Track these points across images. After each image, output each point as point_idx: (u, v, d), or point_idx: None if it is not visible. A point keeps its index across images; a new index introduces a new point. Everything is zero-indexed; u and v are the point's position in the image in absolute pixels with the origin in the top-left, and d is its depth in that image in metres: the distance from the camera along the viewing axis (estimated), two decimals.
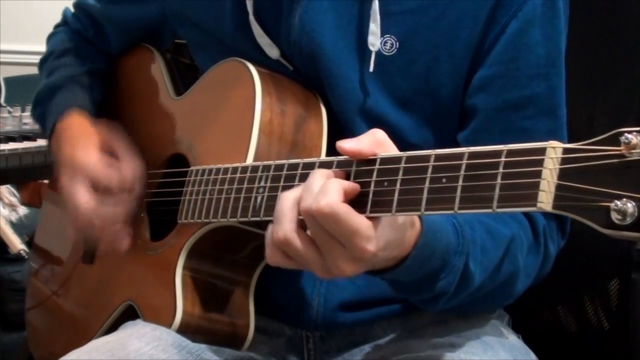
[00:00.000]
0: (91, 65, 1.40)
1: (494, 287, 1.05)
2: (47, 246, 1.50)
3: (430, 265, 0.94)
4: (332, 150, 1.09)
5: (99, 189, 1.17)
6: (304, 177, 0.92)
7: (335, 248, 0.85)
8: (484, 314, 1.18)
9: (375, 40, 1.07)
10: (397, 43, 1.08)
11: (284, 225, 0.86)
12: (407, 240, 0.89)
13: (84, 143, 1.22)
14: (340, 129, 1.11)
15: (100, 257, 1.32)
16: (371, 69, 1.08)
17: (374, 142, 0.88)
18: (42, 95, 1.37)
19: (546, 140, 1.05)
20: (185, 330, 1.09)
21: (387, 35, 1.08)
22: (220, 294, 1.13)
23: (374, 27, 1.07)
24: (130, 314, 1.20)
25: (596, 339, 1.38)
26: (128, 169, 1.20)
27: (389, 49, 1.08)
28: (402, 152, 0.86)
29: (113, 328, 1.21)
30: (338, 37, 1.10)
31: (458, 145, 1.10)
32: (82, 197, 1.17)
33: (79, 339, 1.21)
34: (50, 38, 1.49)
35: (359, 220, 0.83)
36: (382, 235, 0.85)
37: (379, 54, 1.08)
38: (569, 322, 1.41)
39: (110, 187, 1.17)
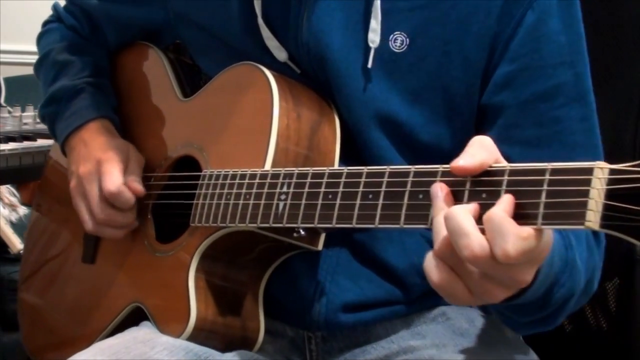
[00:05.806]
0: (100, 63, 1.38)
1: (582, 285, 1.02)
2: (40, 246, 1.48)
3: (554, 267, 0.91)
4: (344, 154, 1.09)
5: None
6: (330, 185, 0.93)
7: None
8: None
9: (375, 37, 1.06)
10: (408, 39, 1.07)
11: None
12: None
13: (111, 156, 1.23)
14: (349, 132, 1.11)
15: (102, 257, 1.32)
16: (370, 64, 1.06)
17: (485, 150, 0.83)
18: (61, 94, 1.33)
19: (580, 127, 1.05)
20: (199, 333, 1.08)
21: (396, 32, 1.07)
22: (232, 297, 1.12)
23: (375, 23, 1.06)
24: (136, 316, 1.19)
25: (595, 339, 1.38)
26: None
27: (399, 46, 1.07)
28: (437, 166, 0.85)
29: (118, 330, 1.20)
30: (346, 37, 1.09)
31: None
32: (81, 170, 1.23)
33: (81, 340, 1.20)
34: (42, 36, 1.45)
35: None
36: None
37: (389, 51, 1.07)
38: (568, 322, 1.41)
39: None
